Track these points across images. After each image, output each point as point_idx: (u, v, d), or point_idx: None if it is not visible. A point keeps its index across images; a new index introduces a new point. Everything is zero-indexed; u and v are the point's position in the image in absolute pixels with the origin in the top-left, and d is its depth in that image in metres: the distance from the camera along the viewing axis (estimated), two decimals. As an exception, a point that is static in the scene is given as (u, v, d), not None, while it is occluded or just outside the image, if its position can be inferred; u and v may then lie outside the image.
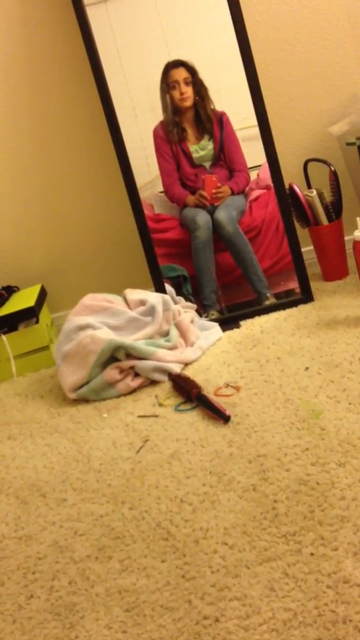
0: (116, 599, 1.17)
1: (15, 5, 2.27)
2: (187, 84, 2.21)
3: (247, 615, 1.06)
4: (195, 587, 1.14)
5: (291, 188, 2.30)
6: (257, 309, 2.27)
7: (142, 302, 2.12)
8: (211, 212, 2.27)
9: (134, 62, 2.23)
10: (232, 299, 2.33)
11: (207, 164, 2.29)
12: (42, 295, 2.48)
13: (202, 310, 2.30)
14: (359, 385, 1.62)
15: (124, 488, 1.48)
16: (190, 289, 2.33)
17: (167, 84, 2.22)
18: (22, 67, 2.34)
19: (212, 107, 2.25)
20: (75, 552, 1.32)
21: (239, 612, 1.07)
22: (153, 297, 2.11)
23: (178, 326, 2.10)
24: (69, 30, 2.28)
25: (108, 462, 1.61)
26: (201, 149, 2.28)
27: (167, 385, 1.93)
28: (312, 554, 1.14)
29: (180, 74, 2.21)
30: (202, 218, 2.25)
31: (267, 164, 2.24)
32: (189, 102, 2.23)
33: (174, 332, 2.07)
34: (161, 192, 2.34)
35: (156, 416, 1.77)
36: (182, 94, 2.21)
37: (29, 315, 2.29)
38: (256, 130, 2.22)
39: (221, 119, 2.25)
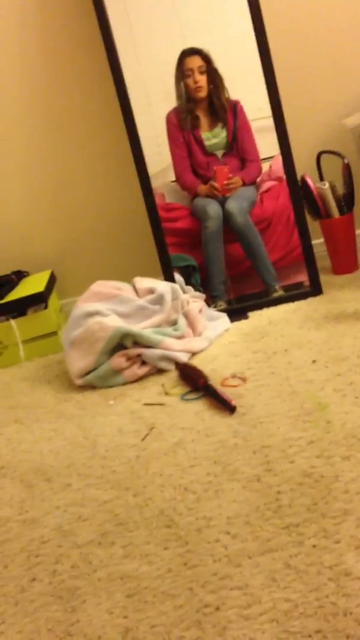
0: (118, 585, 1.18)
1: (31, -11, 2.26)
2: (201, 72, 2.20)
3: (248, 605, 1.06)
4: (196, 575, 1.15)
5: (303, 180, 2.29)
6: (265, 300, 2.27)
7: (151, 291, 2.12)
8: (222, 202, 2.26)
9: (149, 50, 2.22)
10: (240, 290, 2.33)
11: (220, 153, 2.28)
12: (52, 280, 2.49)
13: (210, 300, 2.30)
14: (366, 379, 1.62)
15: (128, 475, 1.49)
16: (199, 279, 2.33)
17: (181, 72, 2.21)
18: (38, 53, 2.33)
19: (226, 95, 2.24)
20: (78, 536, 1.33)
21: (239, 601, 1.07)
22: (162, 286, 2.11)
23: (186, 315, 2.10)
24: (85, 17, 2.27)
25: (113, 448, 1.61)
26: (214, 136, 2.27)
27: (173, 374, 1.93)
28: (314, 546, 1.14)
29: (195, 62, 2.20)
30: (212, 208, 2.25)
31: (279, 156, 2.23)
32: (203, 93, 2.22)
33: (182, 322, 2.07)
34: (172, 181, 2.33)
35: (162, 404, 1.77)
36: (196, 82, 2.20)
37: (38, 300, 2.30)
38: (269, 122, 2.21)
39: (235, 108, 2.24)
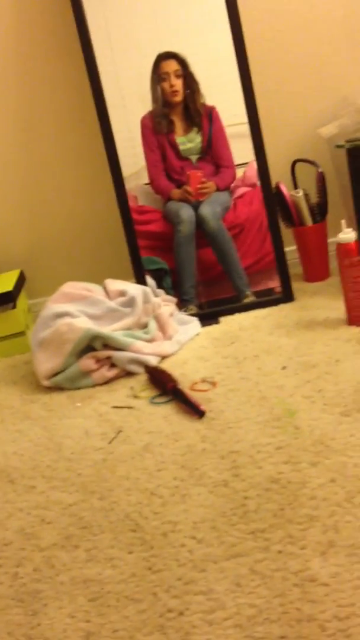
0: (81, 588, 1.16)
1: (9, -15, 2.24)
2: (177, 76, 2.20)
3: (212, 610, 1.05)
4: (161, 579, 1.14)
5: (278, 187, 2.30)
6: (237, 305, 2.27)
7: (122, 293, 2.10)
8: (195, 207, 2.26)
9: (125, 52, 2.21)
10: (212, 294, 2.33)
11: (194, 158, 2.28)
12: (21, 280, 2.46)
13: (181, 304, 2.29)
14: (335, 386, 1.62)
15: (94, 478, 1.47)
16: (171, 282, 2.32)
17: (157, 76, 2.20)
18: (11, 50, 2.31)
19: (202, 101, 2.24)
20: (41, 539, 1.31)
21: (203, 606, 1.06)
22: (133, 289, 2.09)
23: (157, 319, 2.09)
24: (61, 14, 2.26)
25: (79, 451, 1.59)
26: (188, 141, 2.27)
27: (143, 377, 1.92)
28: (279, 552, 1.14)
29: (171, 65, 2.19)
30: (185, 212, 2.24)
31: (254, 162, 2.24)
32: (179, 97, 2.22)
33: (153, 325, 2.06)
34: (146, 184, 2.32)
35: (130, 408, 1.76)
36: (172, 86, 2.20)
37: (6, 300, 2.27)
38: (245, 128, 2.21)
39: (211, 114, 2.24)
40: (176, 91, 2.21)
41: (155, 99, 2.24)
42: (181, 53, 2.18)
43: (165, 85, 2.21)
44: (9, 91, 2.35)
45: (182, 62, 2.19)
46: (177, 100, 2.22)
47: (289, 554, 1.13)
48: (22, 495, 1.47)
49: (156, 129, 2.25)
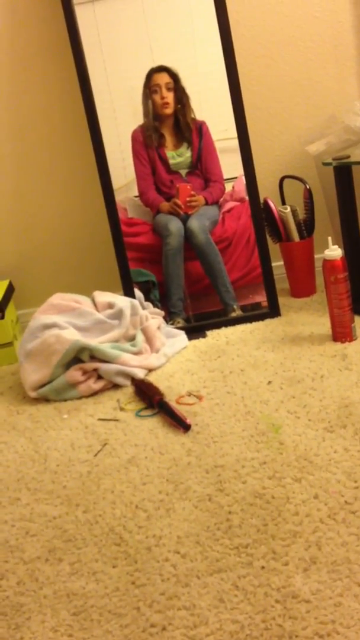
0: (64, 602, 1.16)
1: (2, -3, 2.26)
2: (168, 89, 2.22)
3: (195, 625, 1.06)
4: (144, 594, 1.14)
5: (266, 203, 2.32)
6: (224, 320, 2.29)
7: (110, 305, 2.11)
8: (184, 220, 2.27)
9: (117, 66, 2.23)
10: (199, 308, 2.34)
11: (183, 172, 2.30)
12: (10, 291, 2.46)
13: (169, 317, 2.31)
14: (320, 402, 1.64)
15: (79, 491, 1.47)
16: (158, 295, 2.33)
17: (149, 89, 2.22)
18: (5, 60, 2.32)
19: (192, 115, 2.26)
20: (25, 552, 1.31)
21: (186, 621, 1.07)
22: (121, 301, 2.10)
23: (144, 332, 2.10)
24: (55, 27, 2.27)
25: (65, 463, 1.60)
26: (178, 155, 2.29)
27: (129, 390, 1.93)
28: (262, 568, 1.15)
29: (163, 78, 2.21)
30: (174, 225, 2.26)
31: (242, 177, 2.26)
32: (169, 109, 2.23)
33: (140, 338, 2.07)
34: (135, 196, 2.34)
35: (116, 420, 1.76)
36: (163, 98, 2.22)
37: (-5, 310, 2.27)
38: (235, 143, 2.23)
39: (201, 128, 2.26)
40: (167, 103, 2.22)
41: (146, 113, 2.25)
42: (173, 67, 2.21)
43: (157, 97, 2.22)
44: (0, 102, 2.36)
45: (174, 76, 2.21)
46: (168, 113, 2.23)
47: (272, 570, 1.14)
48: (6, 507, 1.47)
49: (147, 142, 2.27)
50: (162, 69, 2.21)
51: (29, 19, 2.28)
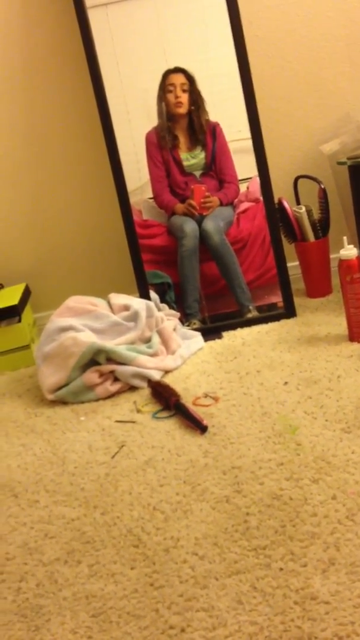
0: (83, 604, 1.17)
1: (15, 3, 2.27)
2: (183, 90, 2.22)
3: (214, 627, 1.06)
4: (163, 596, 1.15)
5: (280, 203, 2.32)
6: (239, 321, 2.29)
7: (126, 307, 2.12)
8: (199, 221, 2.28)
9: (131, 68, 2.24)
10: (215, 309, 2.34)
11: (198, 173, 2.30)
12: (26, 294, 2.47)
13: (184, 318, 2.31)
14: (336, 402, 1.63)
15: (97, 493, 1.48)
16: (174, 296, 2.34)
17: (164, 88, 2.22)
18: (20, 65, 2.33)
19: (206, 117, 2.26)
20: (44, 554, 1.32)
21: (205, 623, 1.07)
22: (137, 303, 2.11)
23: (160, 333, 2.10)
24: (68, 31, 2.28)
25: (83, 465, 1.60)
26: (192, 157, 2.29)
27: (146, 391, 1.93)
28: (281, 569, 1.15)
29: (179, 79, 2.22)
30: (189, 226, 2.26)
31: (257, 177, 2.26)
32: (182, 109, 2.23)
33: (156, 339, 2.07)
34: (150, 198, 2.34)
35: (133, 422, 1.77)
36: (177, 97, 2.22)
37: (12, 313, 2.29)
38: (248, 143, 2.24)
39: (214, 130, 2.27)
40: (180, 102, 2.22)
41: (160, 113, 2.26)
42: (190, 69, 2.21)
43: (170, 96, 2.23)
44: (15, 107, 2.38)
45: (190, 78, 2.22)
46: (181, 112, 2.24)
47: (290, 572, 1.14)
48: (25, 509, 1.48)
49: (161, 143, 2.27)
50: (178, 70, 2.22)
51: (42, 23, 2.29)
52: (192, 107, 2.24)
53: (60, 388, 1.97)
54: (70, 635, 1.11)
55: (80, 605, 1.17)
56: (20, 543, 1.37)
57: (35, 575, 1.26)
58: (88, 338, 1.96)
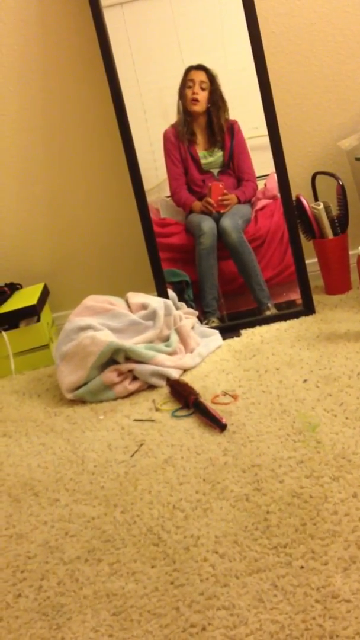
0: (104, 602, 1.17)
1: (32, 4, 2.27)
2: (202, 88, 2.22)
3: (234, 626, 1.05)
4: (183, 594, 1.14)
5: (298, 200, 2.31)
6: (258, 318, 2.28)
7: (144, 306, 2.12)
8: (217, 219, 2.27)
9: (147, 67, 2.24)
10: (233, 307, 2.34)
11: (215, 171, 2.30)
12: (45, 294, 2.49)
13: (203, 317, 2.31)
14: (357, 399, 1.62)
15: (117, 491, 1.48)
16: (192, 294, 2.33)
17: (183, 84, 2.22)
18: (36, 67, 2.34)
19: (226, 117, 2.25)
20: (65, 553, 1.32)
21: (226, 621, 1.07)
22: (155, 302, 2.11)
23: (179, 332, 2.10)
24: (85, 31, 2.29)
25: (102, 464, 1.61)
26: (210, 155, 2.28)
27: (164, 390, 1.93)
28: (302, 567, 1.14)
29: (199, 76, 2.21)
30: (207, 225, 2.26)
31: (274, 174, 2.25)
32: (198, 107, 2.23)
33: (174, 338, 2.07)
34: (167, 196, 2.34)
35: (152, 421, 1.77)
36: (194, 94, 2.21)
37: (31, 313, 2.30)
38: (266, 140, 2.23)
39: (232, 128, 2.26)
40: (196, 100, 2.22)
41: (179, 110, 2.25)
42: (213, 69, 2.20)
43: (188, 92, 2.22)
44: (33, 109, 2.39)
45: (211, 77, 2.21)
46: (196, 110, 2.23)
47: (311, 570, 1.13)
48: (46, 508, 1.48)
49: (178, 138, 2.27)
50: (200, 67, 2.21)
51: (58, 23, 2.30)
52: (210, 106, 2.23)
53: (79, 387, 1.98)
54: (91, 633, 1.11)
55: (101, 603, 1.17)
56: (41, 542, 1.37)
57: (56, 573, 1.27)
58: (106, 337, 1.96)
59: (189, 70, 2.22)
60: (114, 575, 1.23)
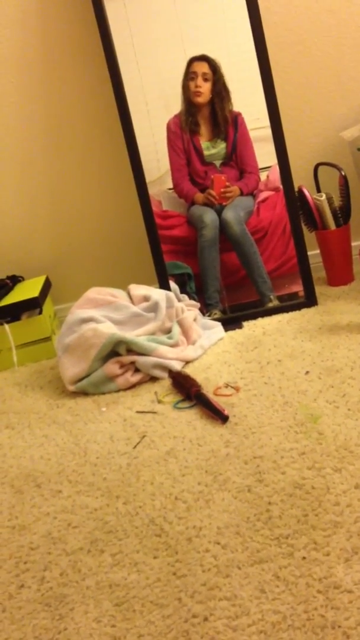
0: (106, 593, 1.17)
1: (33, -5, 2.27)
2: (205, 79, 2.21)
3: (236, 616, 1.06)
4: (185, 585, 1.15)
5: (300, 191, 2.30)
6: (260, 310, 2.28)
7: (146, 298, 2.12)
8: (219, 211, 2.27)
9: (149, 58, 2.23)
10: (235, 299, 2.33)
11: (218, 163, 2.29)
12: (47, 286, 2.48)
13: (205, 309, 2.30)
14: (359, 391, 1.62)
15: (119, 483, 1.49)
16: (194, 287, 2.33)
17: (186, 75, 2.21)
18: (36, 58, 2.33)
19: (230, 108, 2.24)
20: (67, 544, 1.33)
21: (228, 612, 1.07)
22: (157, 294, 2.11)
23: (181, 324, 2.10)
24: (85, 23, 2.28)
25: (104, 456, 1.61)
26: (213, 146, 2.28)
27: (166, 382, 1.93)
28: (304, 558, 1.14)
29: (202, 67, 2.20)
30: (209, 217, 2.25)
31: (276, 166, 2.24)
32: (201, 98, 2.22)
33: (176, 330, 2.07)
34: (170, 188, 2.34)
35: (154, 413, 1.77)
36: (197, 86, 2.21)
37: (33, 305, 2.30)
38: (268, 132, 2.22)
39: (236, 120, 2.25)
40: (199, 92, 2.21)
41: (183, 100, 2.25)
42: (216, 59, 2.19)
43: (191, 84, 2.21)
44: (34, 100, 2.38)
45: (214, 68, 2.20)
46: (199, 101, 2.22)
47: (313, 561, 1.13)
48: (48, 499, 1.49)
49: (182, 127, 2.26)
50: (203, 58, 2.20)
51: (59, 13, 2.29)
52: (214, 97, 2.22)
53: (81, 379, 1.98)
54: (93, 624, 1.11)
55: (103, 594, 1.17)
56: (43, 533, 1.37)
57: (59, 564, 1.27)
58: (108, 329, 1.96)
59: (191, 61, 2.21)
60: (117, 566, 1.23)
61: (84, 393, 1.98)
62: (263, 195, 2.33)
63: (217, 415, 1.65)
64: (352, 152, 2.34)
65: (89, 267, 2.60)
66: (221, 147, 2.27)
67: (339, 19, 2.29)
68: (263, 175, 2.31)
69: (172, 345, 2.03)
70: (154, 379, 1.97)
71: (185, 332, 2.10)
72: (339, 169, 2.29)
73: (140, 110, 2.25)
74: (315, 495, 1.29)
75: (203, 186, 2.29)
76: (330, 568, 1.11)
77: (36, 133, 2.42)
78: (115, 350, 1.97)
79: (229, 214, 2.25)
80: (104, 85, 2.31)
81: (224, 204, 2.27)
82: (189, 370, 1.95)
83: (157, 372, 1.95)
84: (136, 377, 1.95)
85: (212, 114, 2.25)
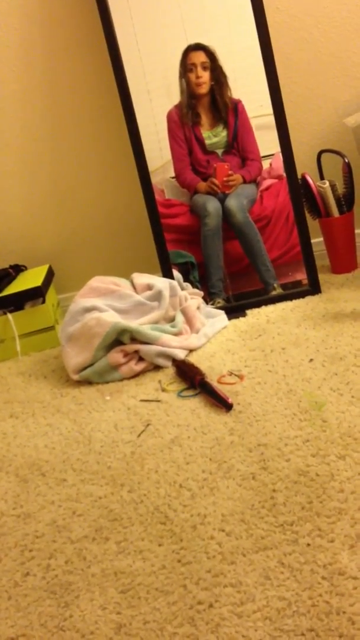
0: (111, 580, 1.18)
1: (34, -18, 2.26)
2: (204, 68, 2.19)
3: (242, 602, 1.06)
4: (190, 572, 1.15)
5: (304, 178, 2.29)
6: (263, 298, 2.27)
7: (149, 287, 2.11)
8: (222, 199, 2.26)
9: (151, 46, 2.22)
10: (239, 287, 2.33)
11: (220, 151, 2.28)
12: (50, 275, 2.48)
13: (209, 297, 2.30)
14: (363, 379, 1.62)
15: (123, 471, 1.49)
16: (198, 275, 2.33)
17: (184, 66, 2.20)
18: (38, 46, 2.32)
19: (229, 94, 2.23)
20: (72, 532, 1.33)
21: (233, 598, 1.07)
22: (160, 282, 2.10)
23: (184, 312, 2.10)
24: (87, 10, 2.27)
25: (109, 444, 1.61)
26: (214, 135, 2.27)
27: (170, 370, 1.93)
28: (308, 545, 1.14)
29: (199, 57, 2.19)
30: (212, 205, 2.25)
31: (280, 154, 2.23)
32: (204, 89, 2.21)
33: (180, 318, 2.07)
34: (172, 177, 2.33)
35: (158, 401, 1.77)
36: (198, 77, 2.20)
37: (36, 294, 2.30)
38: (271, 119, 2.21)
39: (236, 107, 2.24)
40: (201, 82, 2.20)
41: (182, 91, 2.24)
42: (211, 46, 2.18)
43: (192, 76, 2.20)
44: (36, 88, 2.37)
45: (211, 55, 2.19)
46: (202, 92, 2.22)
47: (318, 547, 1.13)
48: (53, 488, 1.49)
49: (183, 120, 2.25)
50: (199, 47, 2.19)
51: (61, 4, 2.27)
52: (214, 84, 2.21)
53: (85, 368, 1.98)
54: (99, 611, 1.12)
55: (108, 581, 1.18)
56: (48, 521, 1.38)
57: (64, 552, 1.28)
58: (112, 318, 1.96)
59: (186, 52, 2.19)
60: (122, 554, 1.24)
61: (88, 382, 1.98)
62: (266, 183, 2.32)
63: (221, 403, 1.65)
64: (355, 139, 2.32)
65: (92, 256, 2.60)
66: (222, 135, 2.26)
67: (343, 4, 2.27)
68: (266, 164, 2.30)
69: (176, 334, 2.02)
70: (157, 367, 1.97)
71: (188, 320, 2.10)
72: (343, 156, 2.28)
73: (142, 99, 2.24)
74: (319, 483, 1.29)
75: (205, 175, 2.28)
76: (334, 554, 1.11)
77: (39, 122, 2.41)
78: (119, 339, 1.97)
79: (232, 202, 2.24)
80: (106, 74, 2.30)
81: (227, 192, 2.26)
82: (193, 359, 1.95)
83: (161, 361, 1.95)
84: (140, 366, 1.95)
85: (212, 102, 2.24)
